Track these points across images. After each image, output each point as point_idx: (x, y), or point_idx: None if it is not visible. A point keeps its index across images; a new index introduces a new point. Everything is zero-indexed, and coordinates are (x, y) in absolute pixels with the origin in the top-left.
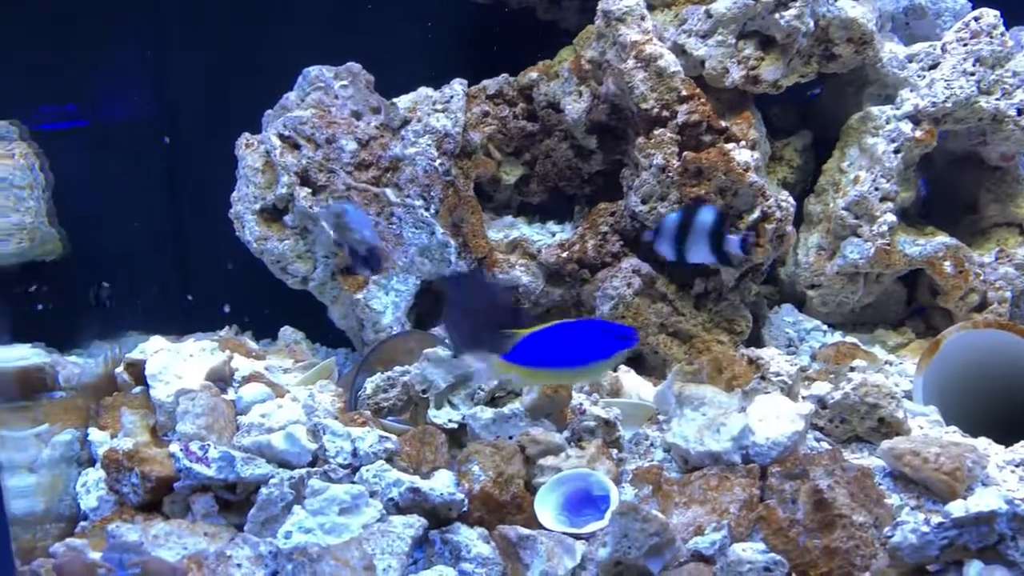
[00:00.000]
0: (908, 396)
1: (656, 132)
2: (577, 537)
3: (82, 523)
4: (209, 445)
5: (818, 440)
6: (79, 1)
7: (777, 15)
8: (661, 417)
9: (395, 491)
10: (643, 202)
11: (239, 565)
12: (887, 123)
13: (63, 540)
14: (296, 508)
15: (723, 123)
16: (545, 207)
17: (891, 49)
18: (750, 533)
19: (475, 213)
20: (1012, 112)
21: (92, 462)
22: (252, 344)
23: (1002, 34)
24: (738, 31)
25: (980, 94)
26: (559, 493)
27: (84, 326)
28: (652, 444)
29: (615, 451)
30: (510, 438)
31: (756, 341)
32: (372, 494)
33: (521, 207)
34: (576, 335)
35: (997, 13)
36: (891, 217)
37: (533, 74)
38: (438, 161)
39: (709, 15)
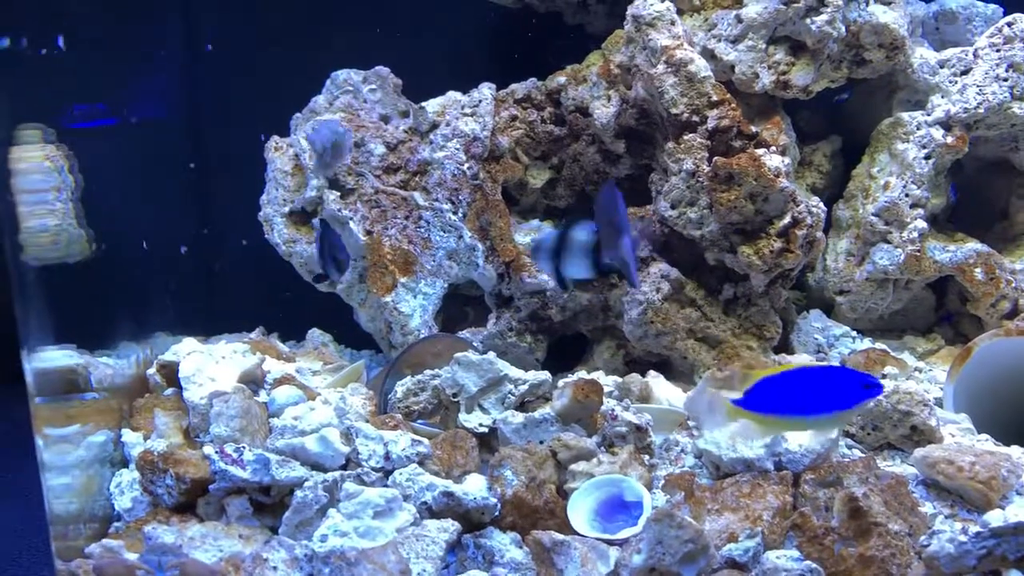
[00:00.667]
0: (938, 403)
1: (686, 137)
2: (610, 543)
3: (116, 524)
4: (244, 447)
5: (850, 447)
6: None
7: (808, 20)
8: (691, 423)
9: (428, 495)
10: (672, 207)
11: (275, 568)
12: (918, 129)
13: (98, 541)
14: (331, 511)
15: (753, 128)
16: (572, 211)
17: (922, 55)
18: (783, 541)
19: (503, 217)
20: None
21: (125, 463)
22: (282, 346)
23: None
24: (768, 36)
25: (1013, 100)
26: (592, 498)
27: (112, 327)
28: (683, 450)
29: (646, 457)
30: (541, 443)
31: (785, 347)
32: (405, 498)
33: (548, 211)
34: (817, 381)
35: None
36: (921, 223)
37: (561, 78)
38: (466, 165)
39: (739, 20)
